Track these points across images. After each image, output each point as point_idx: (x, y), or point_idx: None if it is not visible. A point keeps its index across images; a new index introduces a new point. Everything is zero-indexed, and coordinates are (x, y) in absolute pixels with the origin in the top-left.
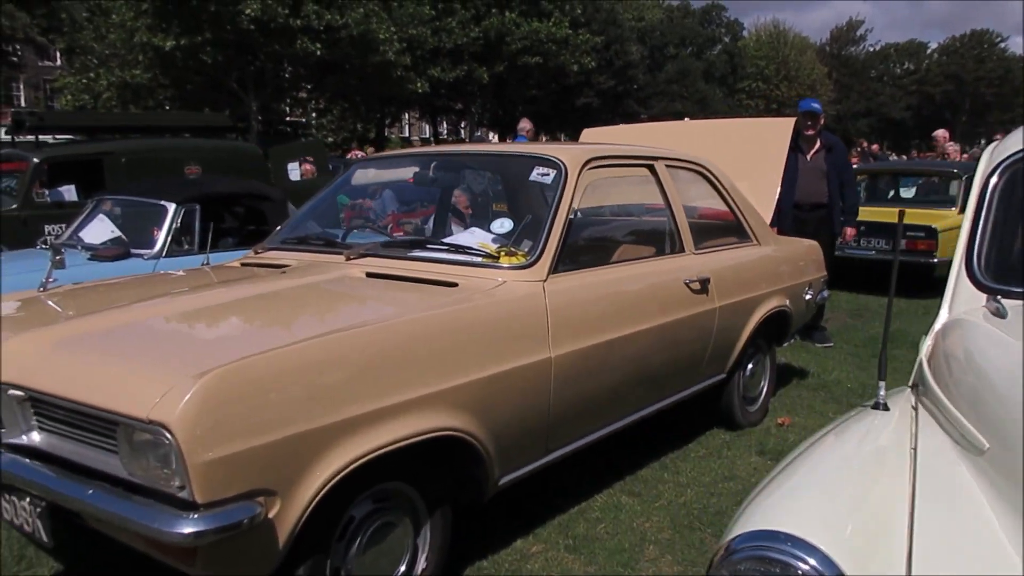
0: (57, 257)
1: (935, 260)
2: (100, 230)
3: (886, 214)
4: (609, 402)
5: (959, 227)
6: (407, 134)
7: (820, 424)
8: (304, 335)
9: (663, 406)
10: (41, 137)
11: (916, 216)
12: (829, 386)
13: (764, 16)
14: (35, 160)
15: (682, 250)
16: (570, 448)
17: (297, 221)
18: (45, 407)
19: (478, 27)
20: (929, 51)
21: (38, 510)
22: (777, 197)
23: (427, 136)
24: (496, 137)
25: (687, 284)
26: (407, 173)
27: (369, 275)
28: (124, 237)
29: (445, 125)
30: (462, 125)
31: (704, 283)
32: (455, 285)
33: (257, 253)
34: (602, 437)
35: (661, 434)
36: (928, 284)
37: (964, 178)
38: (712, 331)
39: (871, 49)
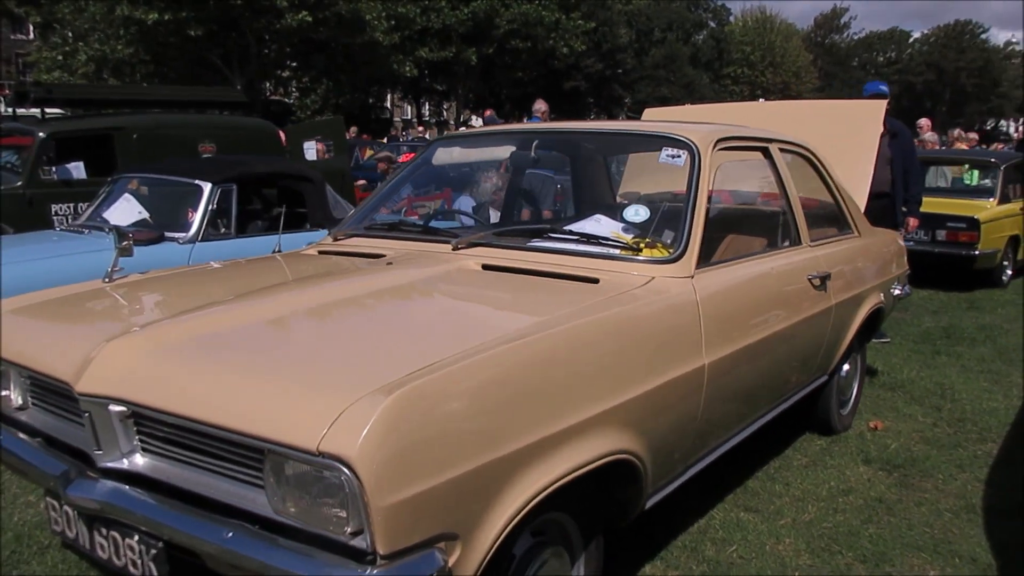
0: (124, 243)
1: (976, 252)
2: (126, 211)
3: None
4: (743, 410)
5: (1000, 218)
6: (389, 116)
7: (913, 428)
8: (468, 345)
9: (777, 413)
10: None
11: (955, 207)
12: (904, 385)
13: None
14: (41, 135)
15: (799, 243)
16: (705, 461)
17: (374, 204)
18: (151, 425)
19: (467, 7)
20: (911, 40)
21: (152, 552)
22: (869, 184)
23: (409, 118)
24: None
25: (810, 280)
26: (498, 152)
27: (485, 267)
28: (150, 219)
29: (428, 107)
30: (444, 106)
31: (824, 279)
32: (595, 281)
33: (337, 240)
34: (728, 448)
35: (753, 441)
36: (969, 277)
37: (1002, 168)
38: (827, 331)
39: (855, 37)
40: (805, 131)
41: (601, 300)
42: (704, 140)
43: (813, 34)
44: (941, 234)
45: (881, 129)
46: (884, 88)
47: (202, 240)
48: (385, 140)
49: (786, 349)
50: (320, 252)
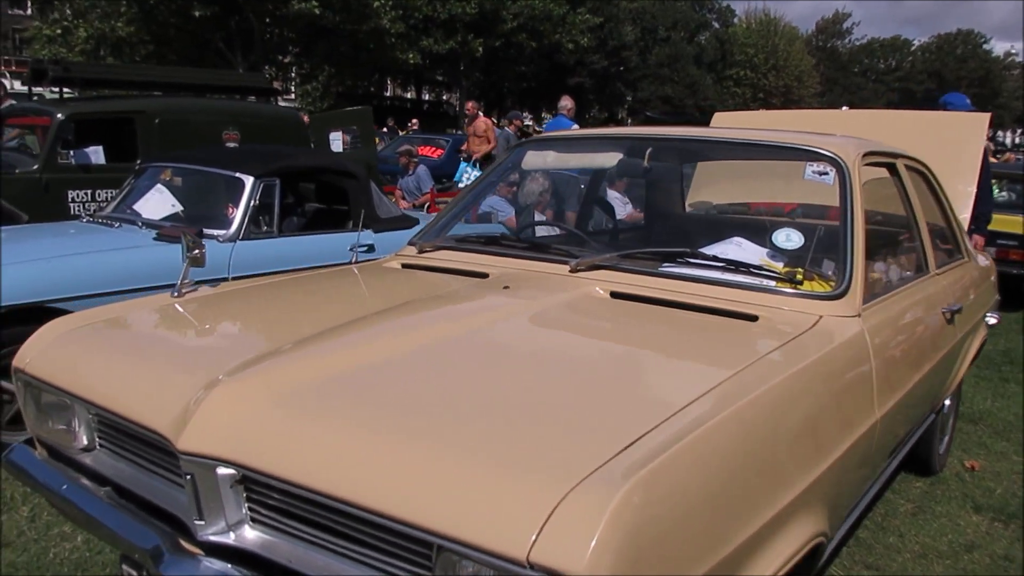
0: (196, 252)
1: None
2: (159, 203)
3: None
4: (886, 462)
5: None
6: (410, 104)
7: (1011, 469)
8: (669, 410)
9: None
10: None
11: (1007, 223)
12: (985, 418)
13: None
14: (60, 116)
15: (927, 270)
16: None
17: (457, 212)
18: (264, 492)
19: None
20: (913, 48)
21: None
22: (972, 203)
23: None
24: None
25: (943, 314)
26: (601, 160)
27: (614, 295)
28: (181, 213)
29: (427, 96)
30: (444, 98)
31: (954, 313)
32: (754, 319)
33: (423, 252)
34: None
35: None
36: (1020, 296)
37: None
38: (952, 367)
39: (856, 43)
40: (901, 145)
41: (781, 346)
42: (851, 155)
43: (815, 38)
44: (991, 251)
45: (984, 143)
46: (967, 100)
47: (243, 239)
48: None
49: (924, 392)
50: (404, 266)
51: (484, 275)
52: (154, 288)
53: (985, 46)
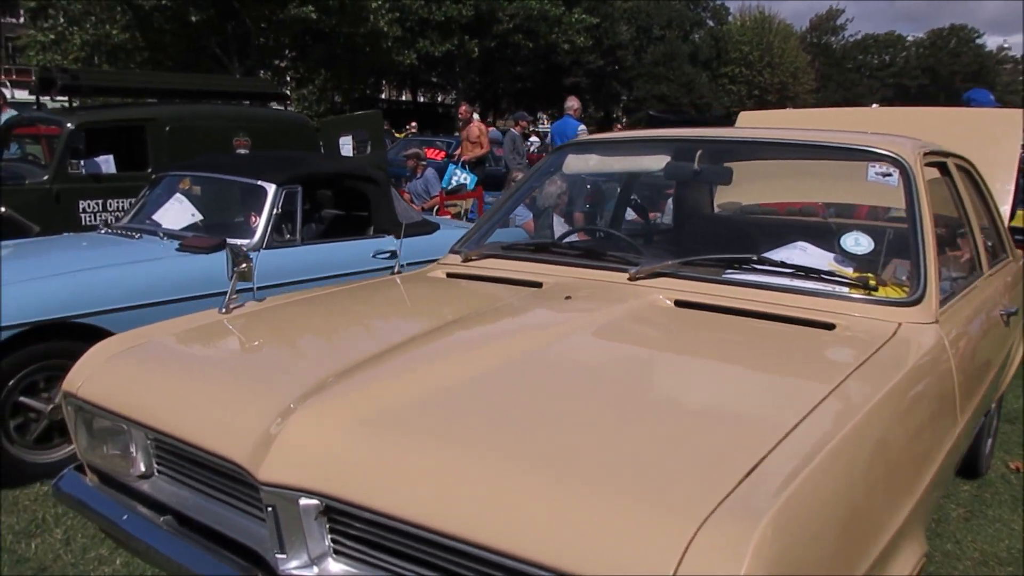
0: (243, 266)
1: None
2: (179, 213)
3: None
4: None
5: None
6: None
7: None
8: (780, 429)
9: None
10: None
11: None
12: (1021, 417)
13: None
14: (70, 126)
15: (980, 271)
16: None
17: (499, 219)
18: (348, 522)
19: (470, 0)
20: (907, 43)
21: None
22: (1011, 200)
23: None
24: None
25: (1001, 316)
26: (647, 163)
27: (679, 304)
28: (201, 222)
29: (421, 98)
30: (440, 99)
31: (1010, 315)
32: (831, 327)
33: (469, 261)
34: None
35: None
36: None
37: None
38: (1007, 369)
39: (850, 39)
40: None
41: (870, 357)
42: (912, 155)
43: (808, 35)
44: None
45: (1022, 140)
46: (991, 97)
47: (266, 248)
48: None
49: (988, 396)
50: (450, 275)
51: (538, 284)
52: (181, 301)
53: (978, 40)
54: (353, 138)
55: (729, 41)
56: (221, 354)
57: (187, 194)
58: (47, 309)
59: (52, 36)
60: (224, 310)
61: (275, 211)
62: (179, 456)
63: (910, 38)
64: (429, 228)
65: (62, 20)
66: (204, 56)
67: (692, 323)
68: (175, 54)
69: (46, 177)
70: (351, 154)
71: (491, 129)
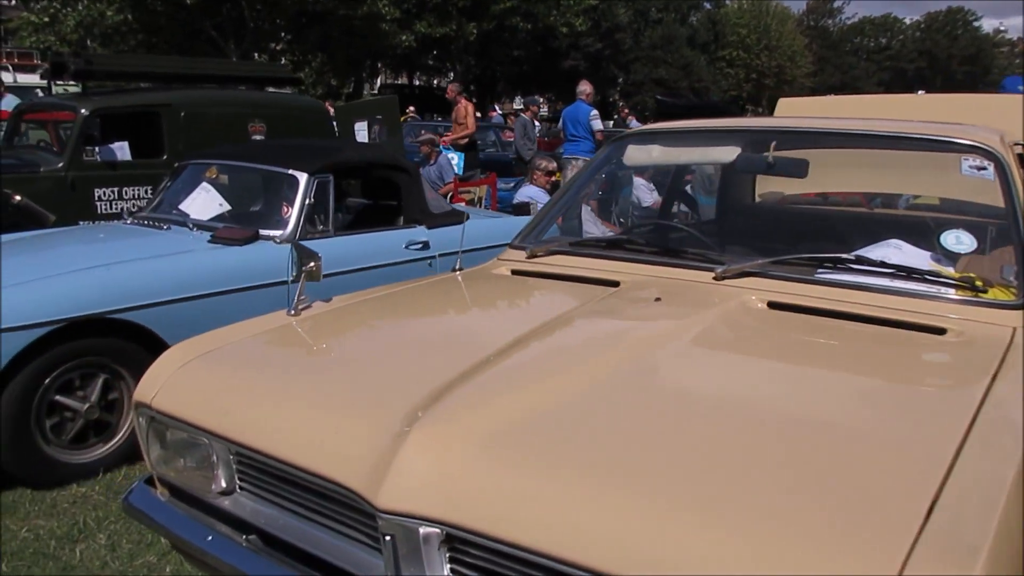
0: (311, 265)
1: None
2: (206, 203)
3: None
4: None
5: None
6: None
7: None
8: (944, 458)
9: None
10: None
11: None
12: None
13: None
14: (84, 111)
15: None
16: None
17: (556, 212)
18: (469, 551)
19: None
20: (904, 26)
21: None
22: None
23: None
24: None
25: None
26: (716, 154)
27: (772, 306)
28: (228, 212)
29: (417, 82)
30: (436, 83)
31: None
32: (941, 332)
33: (535, 258)
34: None
35: None
36: None
37: None
38: None
39: (847, 22)
40: None
41: (999, 367)
42: (1002, 146)
43: (805, 18)
44: None
45: None
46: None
47: (299, 239)
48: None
49: None
50: (515, 272)
51: (615, 283)
52: (216, 295)
53: (975, 23)
54: (368, 124)
55: (726, 24)
56: (305, 362)
57: (214, 183)
58: (82, 304)
59: (46, 18)
60: (293, 312)
61: (308, 201)
62: (268, 473)
63: (907, 20)
64: (458, 217)
65: (55, 1)
66: (199, 39)
67: (792, 328)
68: (169, 36)
69: (61, 164)
70: (366, 140)
71: (493, 114)
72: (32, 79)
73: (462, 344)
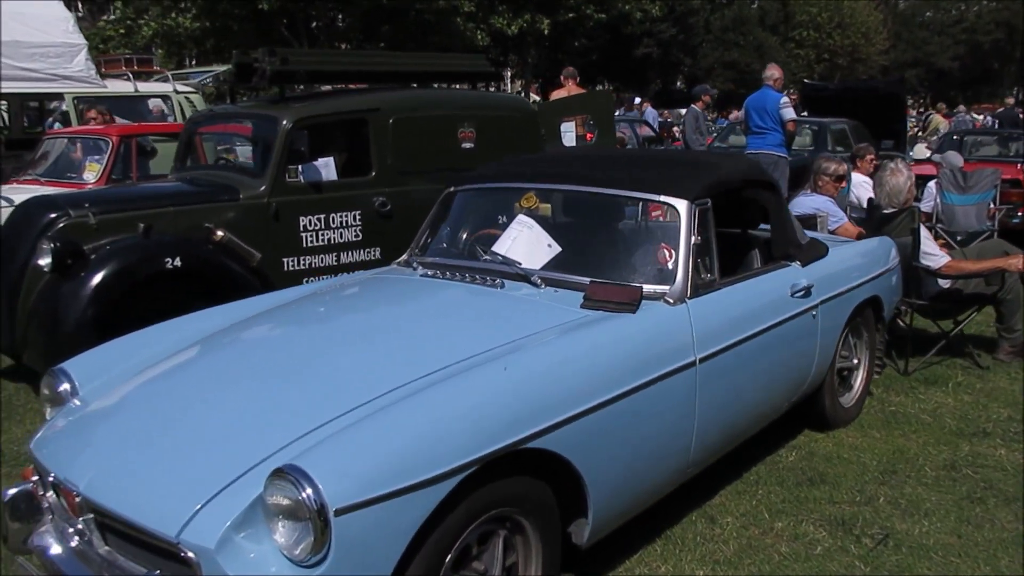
0: None
1: None
2: (530, 244)
3: None
4: None
5: None
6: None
7: None
8: None
9: None
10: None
11: None
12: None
13: None
14: (286, 123)
15: None
16: None
17: None
18: None
19: None
20: None
21: None
22: None
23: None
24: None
25: None
26: None
27: None
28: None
29: None
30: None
31: None
32: None
33: None
34: None
35: None
36: None
37: None
38: None
39: None
40: None
41: None
42: None
43: None
44: None
45: None
46: None
47: (691, 296)
48: None
49: None
50: None
51: None
52: (626, 396)
53: None
54: (577, 124)
55: (796, 3)
56: None
57: (532, 214)
58: (495, 433)
59: (122, 30)
60: None
61: (693, 240)
62: None
63: None
64: (819, 250)
65: (130, 11)
66: (271, 41)
67: None
68: (243, 42)
69: (263, 188)
70: (574, 143)
71: (646, 106)
72: (153, 87)
73: None
